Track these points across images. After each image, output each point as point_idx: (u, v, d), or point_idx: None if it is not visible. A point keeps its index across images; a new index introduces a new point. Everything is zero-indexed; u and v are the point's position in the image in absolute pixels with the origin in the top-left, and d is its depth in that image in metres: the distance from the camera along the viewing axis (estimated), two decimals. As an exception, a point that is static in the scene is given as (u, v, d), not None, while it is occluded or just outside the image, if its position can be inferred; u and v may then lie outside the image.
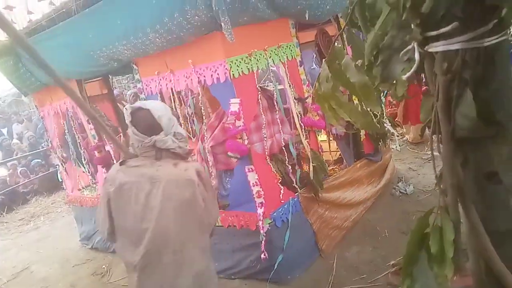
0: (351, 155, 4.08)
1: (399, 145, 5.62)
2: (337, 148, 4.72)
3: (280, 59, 3.00)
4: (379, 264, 3.03)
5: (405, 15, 0.49)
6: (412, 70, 0.54)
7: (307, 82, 3.33)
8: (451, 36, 0.50)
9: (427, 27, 0.50)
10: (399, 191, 4.13)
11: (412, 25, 0.52)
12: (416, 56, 0.52)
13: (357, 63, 0.72)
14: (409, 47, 0.54)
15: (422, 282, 0.61)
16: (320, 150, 3.36)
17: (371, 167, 4.01)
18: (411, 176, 4.58)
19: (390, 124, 4.20)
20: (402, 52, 0.55)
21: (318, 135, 3.64)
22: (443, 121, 0.54)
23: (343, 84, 0.81)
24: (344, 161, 4.58)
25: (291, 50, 3.13)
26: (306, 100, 3.25)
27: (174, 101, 3.99)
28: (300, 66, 3.25)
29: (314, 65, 5.19)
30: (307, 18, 3.03)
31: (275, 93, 3.00)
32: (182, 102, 4.27)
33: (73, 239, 4.95)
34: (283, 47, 3.04)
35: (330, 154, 4.62)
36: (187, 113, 3.35)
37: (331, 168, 4.18)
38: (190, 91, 3.80)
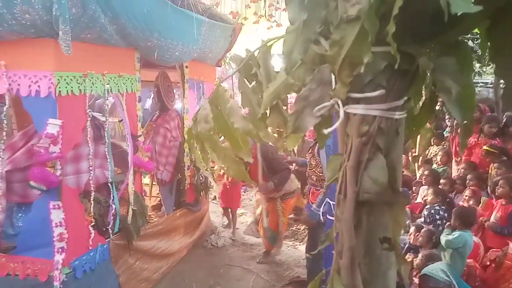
0: (172, 202, 3.98)
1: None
2: (158, 194, 4.55)
3: (119, 89, 2.76)
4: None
5: (336, 71, 0.51)
6: (335, 126, 0.55)
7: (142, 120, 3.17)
8: (370, 101, 0.53)
9: (352, 89, 0.53)
10: (211, 244, 4.22)
11: (335, 83, 0.53)
12: (341, 114, 0.54)
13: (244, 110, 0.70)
14: (327, 103, 0.55)
15: None
16: (143, 194, 3.14)
17: (190, 217, 3.99)
18: (223, 230, 4.79)
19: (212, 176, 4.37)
20: (319, 107, 0.56)
21: (143, 177, 3.42)
22: (350, 182, 0.56)
23: (220, 127, 0.77)
24: (163, 207, 4.43)
25: (132, 84, 2.95)
26: (138, 138, 3.06)
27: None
28: (139, 102, 3.08)
29: (147, 105, 5.05)
30: (155, 57, 2.96)
31: (106, 124, 2.70)
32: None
33: None
34: (124, 77, 2.83)
35: (150, 199, 4.41)
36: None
37: (148, 214, 3.95)
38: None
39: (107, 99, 2.72)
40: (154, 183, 4.34)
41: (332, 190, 2.38)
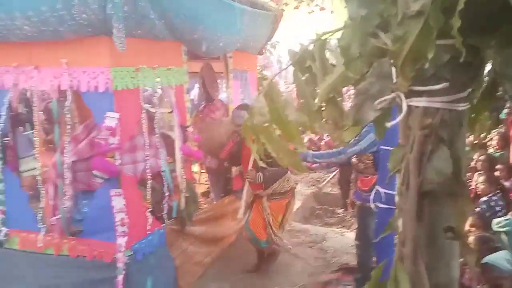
0: (220, 190, 4.12)
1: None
2: (206, 181, 4.72)
3: (168, 82, 2.88)
4: (236, 303, 3.03)
5: (399, 66, 0.52)
6: (398, 119, 0.56)
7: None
8: (433, 94, 0.54)
9: (414, 82, 0.53)
10: (259, 230, 4.31)
11: (396, 77, 0.54)
12: (404, 107, 0.55)
13: (300, 103, 0.73)
14: (389, 97, 0.56)
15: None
16: (193, 181, 3.28)
17: (238, 204, 4.10)
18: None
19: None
20: (379, 100, 0.57)
21: (193, 166, 3.56)
22: (413, 173, 0.57)
23: (275, 119, 0.80)
24: (211, 194, 4.59)
25: (180, 76, 3.05)
26: (188, 128, 3.17)
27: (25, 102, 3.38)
28: (187, 93, 3.19)
29: (193, 95, 5.21)
30: (203, 50, 3.04)
31: (158, 116, 2.84)
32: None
33: None
34: (173, 70, 2.94)
35: (199, 186, 4.58)
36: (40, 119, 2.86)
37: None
38: (46, 93, 3.29)
39: (156, 92, 2.85)
40: (202, 170, 4.50)
41: (382, 178, 2.35)
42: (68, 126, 2.55)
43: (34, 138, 2.80)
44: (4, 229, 2.85)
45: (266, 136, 0.81)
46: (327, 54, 0.74)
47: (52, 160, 2.71)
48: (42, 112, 3.49)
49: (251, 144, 0.85)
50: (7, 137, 2.95)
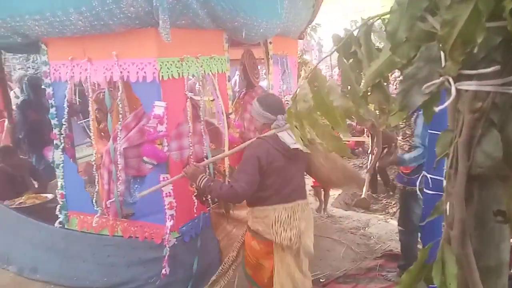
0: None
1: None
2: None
3: (211, 70, 2.95)
4: (279, 285, 3.10)
5: (448, 50, 0.52)
6: (447, 103, 0.57)
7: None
8: (483, 78, 0.53)
9: (464, 66, 0.53)
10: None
11: (445, 61, 0.54)
12: (453, 91, 0.55)
13: (345, 89, 0.73)
14: (437, 81, 0.56)
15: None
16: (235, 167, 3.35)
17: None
18: (311, 202, 4.87)
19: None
20: (428, 84, 0.57)
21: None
22: (462, 157, 0.57)
23: (319, 105, 0.81)
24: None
25: (222, 64, 3.11)
26: (230, 116, 3.24)
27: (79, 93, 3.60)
28: (229, 81, 3.25)
29: (234, 82, 5.27)
30: (243, 36, 3.06)
31: (201, 104, 2.93)
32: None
33: None
34: (215, 59, 3.00)
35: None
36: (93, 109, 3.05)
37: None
38: (97, 84, 3.48)
39: (199, 80, 2.93)
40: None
41: (430, 164, 2.28)
42: (120, 115, 2.71)
43: (90, 127, 2.99)
44: (64, 211, 3.11)
45: (310, 122, 0.83)
46: (372, 36, 0.74)
47: (105, 147, 2.89)
48: (95, 102, 3.72)
49: (294, 129, 0.88)
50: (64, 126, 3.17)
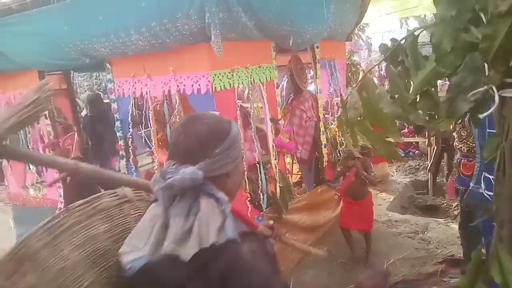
0: (312, 179, 4.20)
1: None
2: (298, 171, 4.84)
3: (260, 79, 3.05)
4: (334, 289, 3.10)
5: (490, 62, 0.55)
6: (491, 110, 0.60)
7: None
8: None
9: (507, 74, 0.56)
10: (354, 219, 4.29)
11: (488, 70, 0.57)
12: (496, 99, 0.58)
13: (394, 96, 0.77)
14: (481, 89, 0.60)
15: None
16: (287, 172, 3.42)
17: (330, 193, 4.14)
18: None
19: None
20: (473, 92, 0.60)
21: (286, 157, 3.70)
22: (509, 160, 0.59)
23: (369, 112, 0.86)
24: (303, 184, 4.69)
25: (270, 72, 3.20)
26: (279, 121, 3.32)
27: (139, 107, 3.88)
28: (277, 87, 3.33)
29: (282, 88, 5.34)
30: (290, 44, 3.13)
31: (251, 111, 3.04)
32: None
33: (9, 240, 4.49)
34: (263, 67, 3.10)
35: (291, 176, 4.73)
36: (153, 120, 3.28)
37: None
38: (154, 97, 3.72)
39: (249, 89, 3.04)
40: (294, 161, 4.63)
41: (490, 164, 2.17)
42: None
43: (151, 137, 3.22)
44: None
45: (361, 129, 0.87)
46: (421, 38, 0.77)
47: (165, 156, 3.10)
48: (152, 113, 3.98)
49: (346, 136, 0.92)
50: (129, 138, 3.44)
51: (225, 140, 0.98)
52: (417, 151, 6.83)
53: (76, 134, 5.20)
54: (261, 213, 3.06)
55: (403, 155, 6.82)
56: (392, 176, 6.12)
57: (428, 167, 5.36)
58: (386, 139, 0.86)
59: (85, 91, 9.72)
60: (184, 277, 0.84)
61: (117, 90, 3.17)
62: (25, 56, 3.41)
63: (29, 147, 4.24)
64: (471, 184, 2.57)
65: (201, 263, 0.84)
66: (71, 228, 1.02)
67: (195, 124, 0.99)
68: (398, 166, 6.52)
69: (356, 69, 6.19)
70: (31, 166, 4.31)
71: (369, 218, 3.46)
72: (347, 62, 5.53)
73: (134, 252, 0.90)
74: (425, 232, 4.01)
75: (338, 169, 3.71)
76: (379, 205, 4.84)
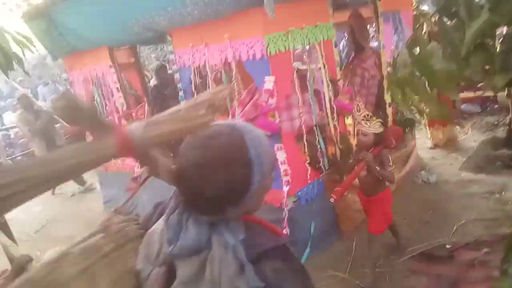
0: (376, 140, 4.06)
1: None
2: (361, 133, 4.70)
3: (316, 39, 2.96)
4: (399, 249, 3.07)
5: None
6: None
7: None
8: None
9: None
10: (422, 180, 4.12)
11: None
12: None
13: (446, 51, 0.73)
14: None
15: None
16: (348, 133, 3.36)
17: (395, 154, 3.99)
18: (434, 166, 4.55)
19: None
20: None
21: (346, 118, 3.62)
22: None
23: (421, 70, 0.82)
24: (367, 146, 4.56)
25: (328, 31, 3.09)
26: (338, 82, 3.23)
27: (202, 76, 4.01)
28: (335, 47, 3.21)
29: (342, 47, 5.11)
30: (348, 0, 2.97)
31: (308, 73, 2.99)
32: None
33: (97, 201, 5.11)
34: (320, 27, 3.00)
35: (354, 138, 4.62)
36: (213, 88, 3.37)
37: (354, 152, 4.18)
38: (214, 65, 3.80)
39: (306, 50, 2.97)
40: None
41: None
42: (236, 93, 2.97)
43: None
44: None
45: (412, 88, 0.83)
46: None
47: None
48: (213, 81, 4.10)
49: (397, 96, 0.89)
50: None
51: (252, 183, 0.81)
52: (496, 106, 6.18)
53: (146, 104, 5.57)
54: (321, 175, 3.09)
55: (480, 110, 6.24)
56: (466, 134, 5.67)
57: (510, 119, 4.85)
58: (439, 99, 0.82)
59: (152, 62, 10.21)
60: None
61: (178, 61, 3.31)
62: (95, 33, 3.69)
63: (106, 118, 4.65)
64: None
65: None
66: (107, 256, 0.90)
67: (211, 166, 0.79)
68: (474, 122, 6.00)
69: (427, 19, 5.64)
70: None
71: (379, 218, 2.81)
72: (415, 13, 5.07)
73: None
74: (503, 192, 3.72)
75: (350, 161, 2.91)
76: (450, 164, 4.57)
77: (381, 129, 2.53)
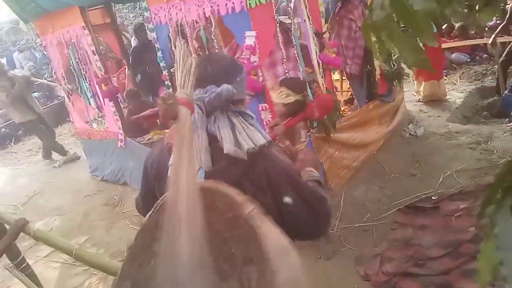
0: (364, 95, 3.99)
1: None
2: (348, 88, 4.63)
3: (299, -11, 2.79)
4: (386, 203, 3.11)
5: None
6: None
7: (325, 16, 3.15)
8: None
9: None
10: (409, 133, 4.12)
11: None
12: None
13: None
14: None
15: (502, 227, 0.60)
16: (334, 90, 3.27)
17: (383, 108, 3.95)
18: (422, 119, 4.54)
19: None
20: None
21: (333, 74, 3.51)
22: None
23: (398, 12, 0.73)
24: (355, 101, 4.51)
25: (311, -20, 2.90)
26: (324, 35, 3.09)
27: (180, 33, 3.81)
28: (320, -3, 3.04)
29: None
30: None
31: (292, 27, 2.84)
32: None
33: (82, 170, 5.05)
34: (302, -25, 2.81)
35: (342, 94, 4.54)
36: (194, 47, 3.21)
37: (342, 108, 4.12)
38: (195, 22, 3.61)
39: (290, 2, 2.81)
40: (344, 78, 4.40)
41: None
42: (216, 50, 2.83)
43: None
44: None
45: (387, 32, 0.75)
46: None
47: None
48: (195, 41, 3.91)
49: (371, 44, 0.81)
50: (172, 68, 3.45)
51: (242, 71, 1.16)
52: (485, 55, 6.09)
53: (126, 68, 5.35)
54: (308, 133, 3.03)
55: (469, 60, 6.14)
56: (454, 85, 5.61)
57: (499, 61, 4.78)
58: (418, 45, 0.74)
59: (131, 23, 9.76)
60: (241, 174, 1.05)
61: (154, 18, 3.12)
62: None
63: (86, 83, 4.46)
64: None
65: (250, 163, 1.04)
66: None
67: (218, 57, 1.25)
68: (463, 73, 5.93)
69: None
70: (91, 102, 4.60)
71: None
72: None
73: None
74: (489, 142, 3.74)
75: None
76: (438, 116, 4.55)
77: (289, 100, 2.39)
